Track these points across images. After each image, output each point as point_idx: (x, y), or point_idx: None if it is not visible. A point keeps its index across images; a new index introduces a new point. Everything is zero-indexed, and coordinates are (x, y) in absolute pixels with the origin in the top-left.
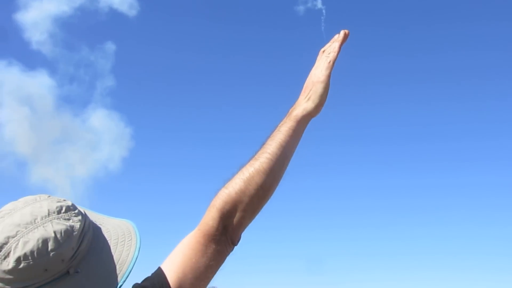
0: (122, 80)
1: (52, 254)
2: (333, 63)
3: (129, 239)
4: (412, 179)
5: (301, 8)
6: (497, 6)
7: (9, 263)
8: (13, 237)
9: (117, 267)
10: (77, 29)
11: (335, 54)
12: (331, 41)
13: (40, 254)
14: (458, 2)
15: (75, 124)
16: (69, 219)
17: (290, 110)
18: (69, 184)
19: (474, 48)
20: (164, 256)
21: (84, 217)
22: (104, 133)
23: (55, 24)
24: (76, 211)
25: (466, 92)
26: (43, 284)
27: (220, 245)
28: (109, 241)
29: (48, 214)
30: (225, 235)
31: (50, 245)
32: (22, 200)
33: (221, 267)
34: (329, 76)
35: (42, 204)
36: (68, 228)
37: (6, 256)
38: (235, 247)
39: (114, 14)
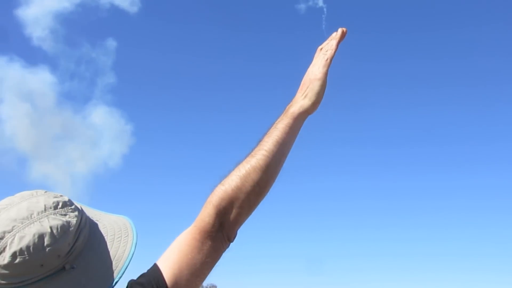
0: (123, 77)
1: (48, 250)
2: (331, 60)
3: (126, 235)
4: (412, 181)
5: (302, 7)
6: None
7: (5, 258)
8: (9, 232)
9: (113, 263)
10: (78, 25)
11: (333, 52)
12: (329, 39)
13: (36, 249)
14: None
15: (76, 121)
16: (65, 215)
17: (287, 107)
18: (69, 181)
19: (476, 53)
20: (160, 253)
21: (81, 212)
22: (104, 130)
23: (56, 20)
24: (73, 206)
25: (467, 95)
26: (39, 279)
27: (216, 241)
28: (105, 237)
29: (45, 210)
30: (221, 232)
31: (46, 241)
32: (18, 195)
33: (217, 265)
34: (326, 74)
35: (39, 199)
36: (65, 223)
37: (2, 251)
38: (231, 244)
39: (115, 11)
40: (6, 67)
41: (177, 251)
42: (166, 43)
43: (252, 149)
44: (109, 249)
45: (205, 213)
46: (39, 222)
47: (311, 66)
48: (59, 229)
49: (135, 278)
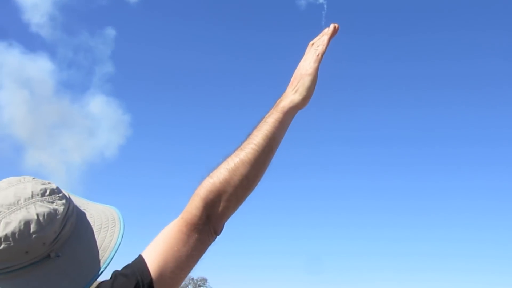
0: (121, 67)
1: (34, 237)
2: (322, 56)
3: (113, 225)
4: (413, 181)
5: (302, 3)
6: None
7: None
8: None
9: (100, 252)
10: (77, 12)
11: (324, 47)
12: (321, 34)
13: (21, 236)
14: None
15: (74, 110)
16: (52, 202)
17: (277, 102)
18: (65, 169)
19: (477, 55)
20: (147, 245)
21: (68, 201)
22: (102, 120)
23: (55, 7)
24: (61, 194)
25: (466, 97)
26: (23, 266)
27: (202, 234)
28: (92, 227)
29: (32, 196)
30: (208, 225)
31: (32, 228)
32: (5, 180)
33: (202, 258)
34: (317, 69)
35: (26, 186)
36: (51, 211)
37: None
38: (218, 237)
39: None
40: (6, 53)
41: (163, 243)
42: (166, 36)
43: (242, 143)
44: (96, 239)
45: (192, 206)
46: (26, 208)
47: (302, 61)
48: (45, 217)
49: (119, 269)
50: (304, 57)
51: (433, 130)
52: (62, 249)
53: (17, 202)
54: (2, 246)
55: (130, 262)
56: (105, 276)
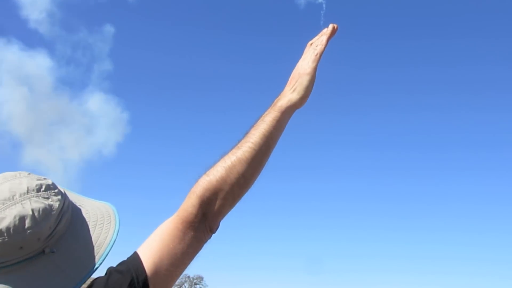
0: (120, 64)
1: (29, 232)
2: (320, 56)
3: (108, 222)
4: (412, 184)
5: (302, 2)
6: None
7: None
8: None
9: (95, 249)
10: (76, 9)
11: (323, 47)
12: (319, 34)
13: (16, 231)
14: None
15: (72, 107)
16: (48, 198)
17: (275, 101)
18: (62, 166)
19: (477, 60)
20: (142, 242)
21: (64, 196)
22: (100, 117)
23: (53, 3)
24: (56, 190)
25: (466, 102)
26: (17, 262)
27: (198, 232)
28: (88, 223)
29: (27, 192)
30: (204, 223)
31: (27, 223)
32: (1, 175)
33: (197, 255)
34: (315, 69)
35: (22, 181)
36: (47, 206)
37: None
38: (213, 235)
39: None
40: (5, 49)
41: (159, 240)
42: (164, 34)
43: (239, 141)
44: (91, 235)
45: (189, 203)
46: (21, 204)
47: (300, 60)
48: (40, 212)
49: (114, 265)
50: (303, 56)
51: (433, 134)
52: (57, 245)
53: (12, 197)
54: None
55: (125, 258)
56: (100, 272)
